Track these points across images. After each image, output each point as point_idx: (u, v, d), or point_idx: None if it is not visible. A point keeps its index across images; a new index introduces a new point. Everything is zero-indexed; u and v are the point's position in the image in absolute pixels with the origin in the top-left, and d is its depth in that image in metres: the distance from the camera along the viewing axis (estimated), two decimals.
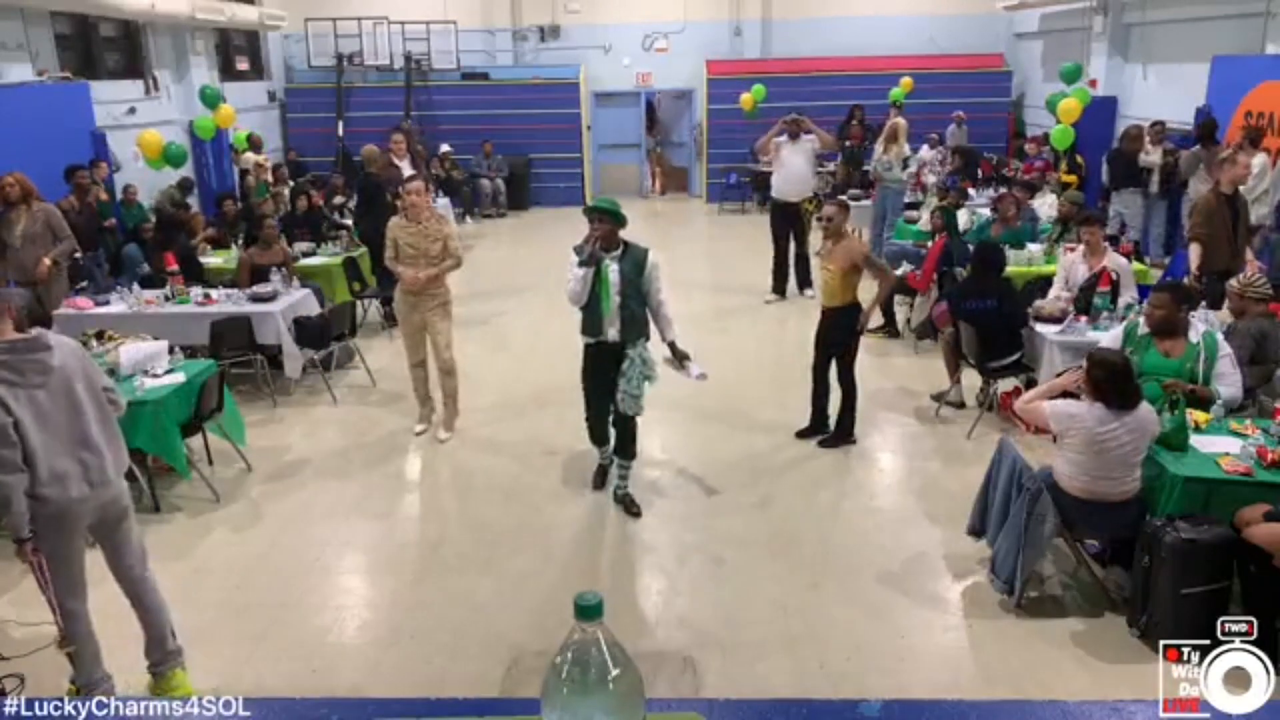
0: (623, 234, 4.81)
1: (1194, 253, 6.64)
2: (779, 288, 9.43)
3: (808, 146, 9.09)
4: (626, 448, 5.10)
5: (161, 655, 3.66)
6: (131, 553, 3.59)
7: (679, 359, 4.98)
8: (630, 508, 5.11)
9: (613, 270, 4.75)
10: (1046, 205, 9.30)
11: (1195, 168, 8.88)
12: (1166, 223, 10.20)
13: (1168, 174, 9.75)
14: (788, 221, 9.20)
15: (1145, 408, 4.05)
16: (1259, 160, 8.18)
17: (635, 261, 4.79)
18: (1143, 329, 4.92)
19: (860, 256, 5.61)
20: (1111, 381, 3.96)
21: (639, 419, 5.02)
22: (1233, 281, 5.30)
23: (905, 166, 10.42)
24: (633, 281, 4.77)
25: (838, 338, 5.82)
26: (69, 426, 3.28)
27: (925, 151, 12.33)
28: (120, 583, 3.61)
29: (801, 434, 6.11)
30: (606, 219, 4.69)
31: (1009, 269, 6.84)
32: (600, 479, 5.40)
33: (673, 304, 5.00)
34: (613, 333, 4.83)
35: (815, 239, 7.37)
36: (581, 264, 4.67)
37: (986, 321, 6.05)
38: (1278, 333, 5.06)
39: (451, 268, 5.92)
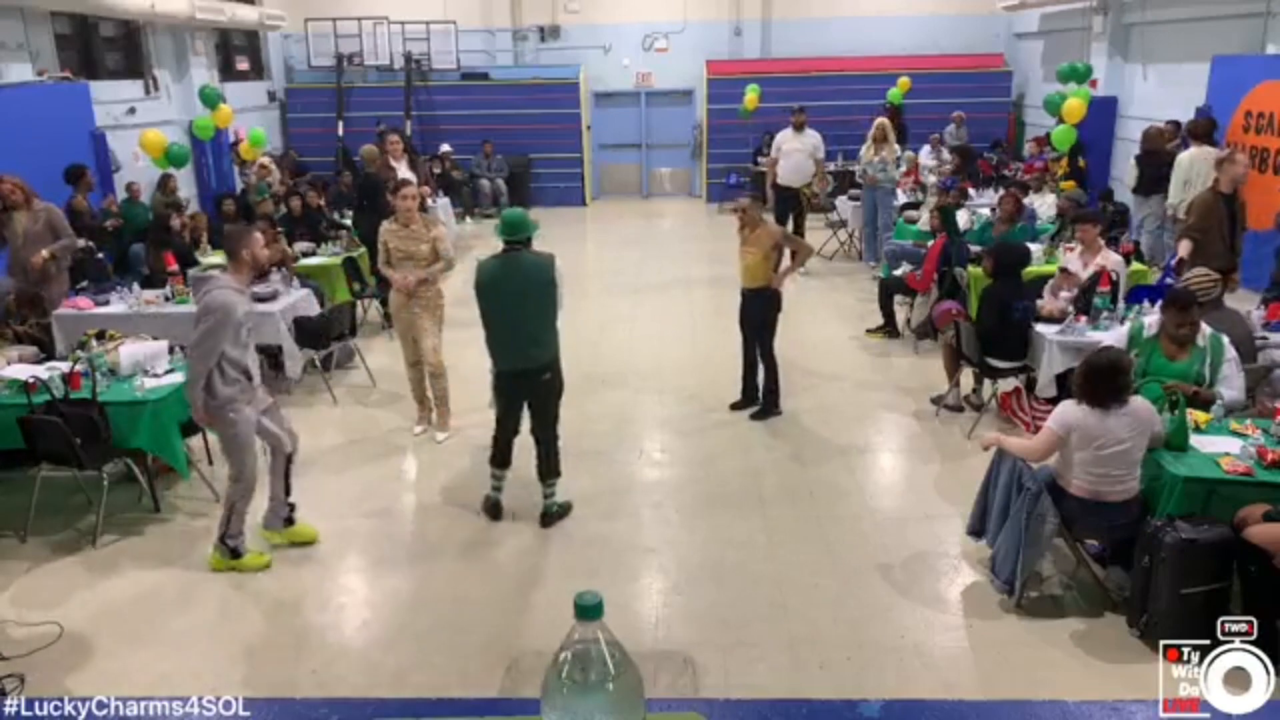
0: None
1: (1183, 248, 6.64)
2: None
3: (808, 141, 10.39)
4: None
5: None
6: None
7: None
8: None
9: None
10: (1046, 205, 9.30)
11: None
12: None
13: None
14: (789, 205, 10.50)
15: (1139, 401, 4.05)
16: (1189, 154, 8.45)
17: None
18: (1148, 331, 4.89)
19: (780, 236, 6.19)
20: (1091, 380, 3.97)
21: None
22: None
23: (898, 165, 10.46)
24: None
25: (760, 317, 6.24)
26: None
27: (925, 155, 12.33)
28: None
29: (735, 406, 6.52)
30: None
31: None
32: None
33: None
34: None
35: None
36: None
37: (1027, 321, 6.04)
38: (1239, 331, 5.03)
39: (443, 270, 5.96)
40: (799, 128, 10.40)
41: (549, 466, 5.04)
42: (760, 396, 6.44)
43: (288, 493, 4.81)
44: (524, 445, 5.12)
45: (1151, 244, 9.50)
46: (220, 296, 4.29)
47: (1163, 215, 9.38)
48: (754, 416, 6.37)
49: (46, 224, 6.94)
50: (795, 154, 10.40)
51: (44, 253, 6.84)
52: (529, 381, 4.91)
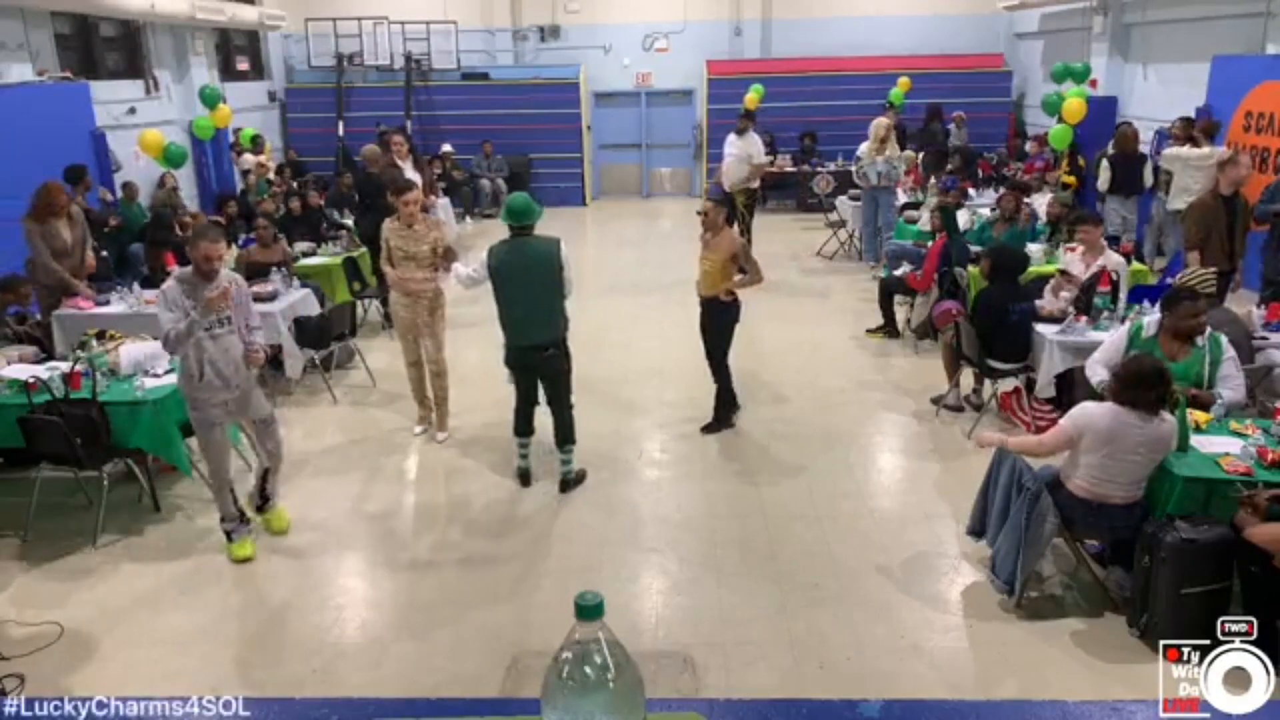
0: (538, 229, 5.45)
1: (1192, 260, 6.64)
2: None
3: (746, 145, 10.36)
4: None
5: None
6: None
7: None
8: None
9: None
10: (1046, 205, 9.29)
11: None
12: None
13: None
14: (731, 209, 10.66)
15: (1165, 419, 3.99)
16: (1187, 151, 8.55)
17: None
18: (1148, 331, 4.88)
19: (739, 247, 5.88)
20: (1132, 381, 3.93)
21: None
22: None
23: (901, 165, 10.47)
24: None
25: (715, 327, 6.01)
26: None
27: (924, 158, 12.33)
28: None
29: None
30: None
31: None
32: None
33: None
34: None
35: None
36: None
37: (1023, 324, 6.03)
38: (1237, 331, 5.03)
39: (446, 272, 5.98)
40: (740, 132, 10.42)
41: (565, 434, 5.39)
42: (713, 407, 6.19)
43: (265, 499, 5.00)
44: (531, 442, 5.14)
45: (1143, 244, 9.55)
46: (164, 285, 4.58)
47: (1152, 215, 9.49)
48: (704, 430, 6.13)
49: (83, 228, 7.10)
50: (728, 157, 10.43)
51: (91, 259, 7.01)
52: (535, 356, 5.24)
